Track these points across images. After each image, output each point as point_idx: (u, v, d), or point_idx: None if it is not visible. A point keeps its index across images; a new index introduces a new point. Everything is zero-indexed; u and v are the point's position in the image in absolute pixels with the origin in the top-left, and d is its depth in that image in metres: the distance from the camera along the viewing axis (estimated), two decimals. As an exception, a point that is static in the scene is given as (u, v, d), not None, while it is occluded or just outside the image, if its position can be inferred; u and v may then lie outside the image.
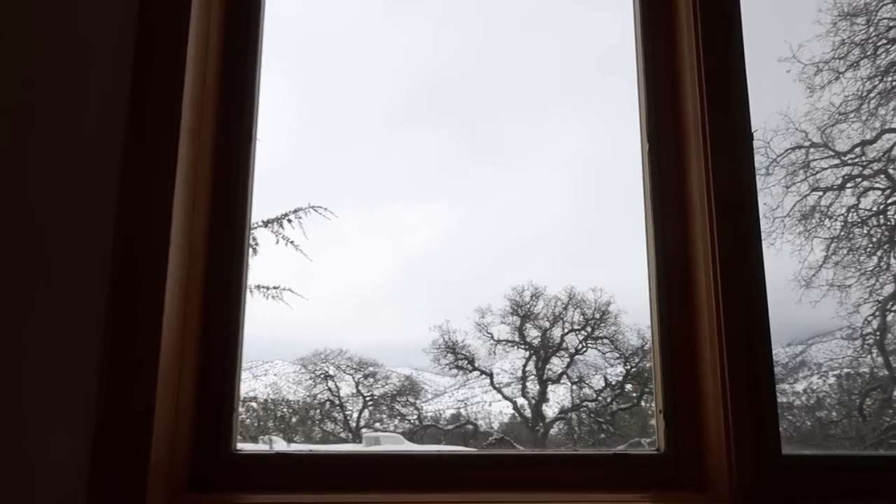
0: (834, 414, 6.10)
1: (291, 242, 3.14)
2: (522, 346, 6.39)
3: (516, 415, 6.27)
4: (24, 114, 1.00)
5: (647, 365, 6.43)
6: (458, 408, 6.34)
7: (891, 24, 5.60)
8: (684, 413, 1.09)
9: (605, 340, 6.26)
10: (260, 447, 1.03)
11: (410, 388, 6.17)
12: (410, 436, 5.66)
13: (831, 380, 6.18)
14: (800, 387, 6.12)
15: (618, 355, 6.22)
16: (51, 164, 0.99)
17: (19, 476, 0.91)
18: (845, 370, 6.11)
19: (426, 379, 6.52)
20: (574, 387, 6.21)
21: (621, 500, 1.02)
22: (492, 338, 6.09)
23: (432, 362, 6.12)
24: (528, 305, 6.33)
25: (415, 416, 6.13)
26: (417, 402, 6.12)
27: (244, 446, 1.06)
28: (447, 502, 1.03)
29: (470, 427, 6.17)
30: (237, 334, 1.08)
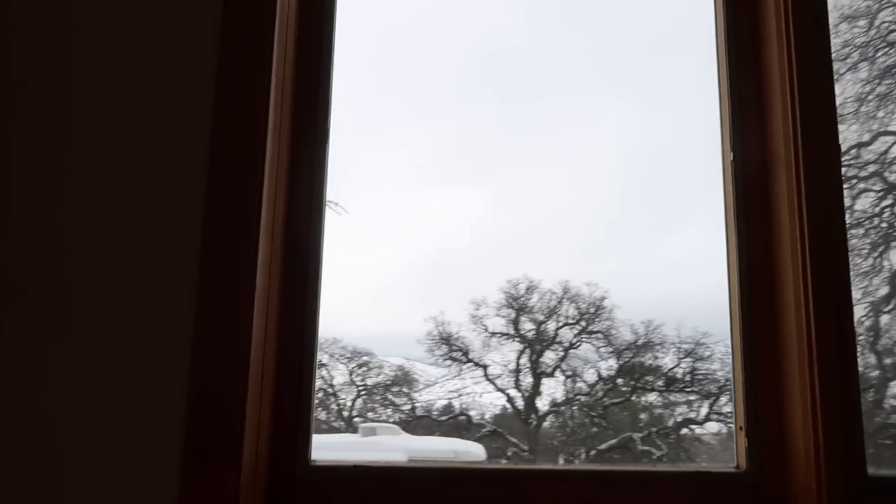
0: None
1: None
2: (517, 339, 6.37)
3: (509, 407, 6.27)
4: (119, 115, 0.97)
5: (639, 360, 6.46)
6: (451, 398, 6.31)
7: (891, 27, 5.64)
8: (767, 430, 1.08)
9: (599, 335, 6.25)
10: (337, 459, 1.00)
11: (404, 378, 6.12)
12: (405, 426, 5.63)
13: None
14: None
15: (611, 350, 6.22)
16: (141, 166, 0.97)
17: (113, 490, 0.88)
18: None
19: (419, 369, 6.47)
20: (567, 380, 6.21)
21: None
22: (486, 330, 6.05)
23: (426, 353, 6.08)
24: (522, 298, 6.30)
25: (408, 407, 6.09)
26: (411, 392, 6.08)
27: (320, 458, 1.03)
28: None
29: (463, 418, 6.16)
30: (314, 345, 1.05)
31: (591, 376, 6.13)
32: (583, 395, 6.12)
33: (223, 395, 0.91)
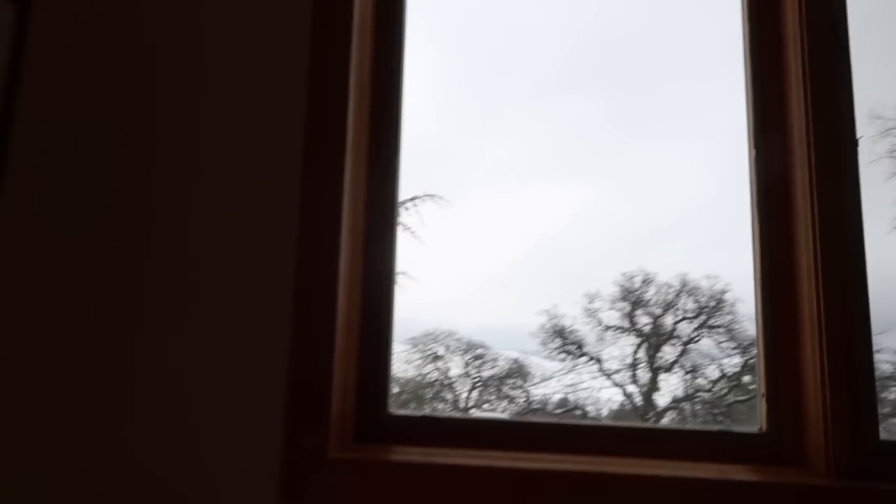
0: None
1: (408, 229, 3.43)
2: (632, 333, 6.38)
3: (626, 402, 6.30)
4: (226, 127, 1.27)
5: (766, 356, 6.24)
6: (566, 393, 6.44)
7: None
8: (786, 397, 1.24)
9: (721, 329, 6.14)
10: (409, 411, 1.28)
11: (518, 371, 6.34)
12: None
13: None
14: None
15: (734, 345, 6.10)
16: (242, 175, 1.26)
17: (233, 434, 1.19)
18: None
19: (534, 363, 6.66)
20: (687, 376, 6.15)
21: (725, 471, 1.19)
22: (600, 323, 6.11)
23: (540, 346, 6.24)
24: (638, 291, 6.29)
25: (523, 399, 6.30)
26: (525, 385, 6.29)
27: (396, 410, 1.31)
28: (567, 462, 1.22)
29: (578, 412, 6.27)
30: (390, 318, 1.32)
31: (713, 372, 6.05)
32: (704, 391, 6.05)
33: (314, 380, 1.19)
